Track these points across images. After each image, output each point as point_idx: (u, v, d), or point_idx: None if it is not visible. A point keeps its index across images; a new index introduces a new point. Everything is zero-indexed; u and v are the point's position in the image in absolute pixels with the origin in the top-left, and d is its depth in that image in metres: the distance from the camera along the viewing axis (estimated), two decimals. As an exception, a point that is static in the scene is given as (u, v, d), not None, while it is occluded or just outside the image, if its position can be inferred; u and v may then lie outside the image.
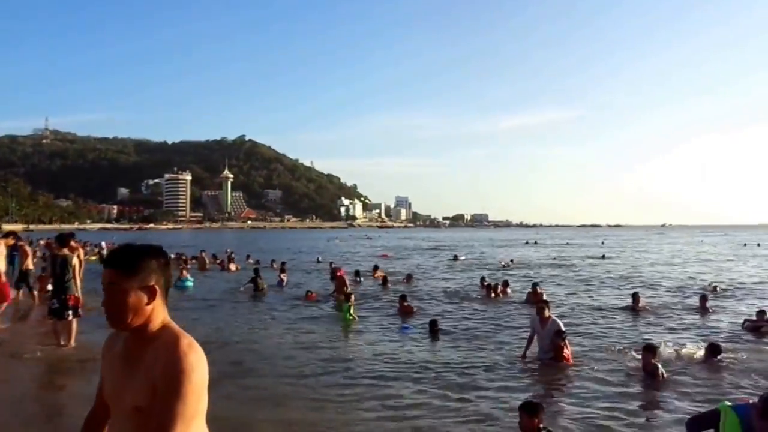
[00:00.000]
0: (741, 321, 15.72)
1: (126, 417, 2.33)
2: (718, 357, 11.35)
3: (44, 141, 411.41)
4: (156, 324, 2.39)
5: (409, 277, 27.39)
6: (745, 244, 73.74)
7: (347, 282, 21.75)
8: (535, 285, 21.17)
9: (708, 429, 5.01)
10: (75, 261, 11.92)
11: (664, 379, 9.82)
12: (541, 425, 6.30)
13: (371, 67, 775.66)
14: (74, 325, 11.67)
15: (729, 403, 4.96)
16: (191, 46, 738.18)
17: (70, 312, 11.56)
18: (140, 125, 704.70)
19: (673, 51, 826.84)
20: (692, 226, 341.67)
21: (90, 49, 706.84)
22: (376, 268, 30.06)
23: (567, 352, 11.08)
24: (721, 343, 12.16)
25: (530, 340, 11.86)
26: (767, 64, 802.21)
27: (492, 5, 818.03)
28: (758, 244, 72.68)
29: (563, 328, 11.46)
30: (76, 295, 11.67)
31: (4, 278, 13.73)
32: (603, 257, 47.61)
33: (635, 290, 19.95)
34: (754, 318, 15.24)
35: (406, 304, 17.95)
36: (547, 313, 11.65)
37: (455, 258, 45.17)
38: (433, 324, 14.70)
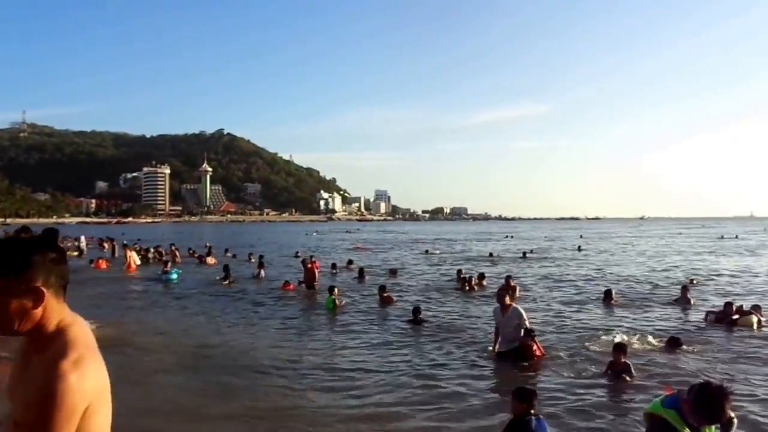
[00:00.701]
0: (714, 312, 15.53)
1: (10, 428, 2.00)
2: (679, 349, 11.52)
3: (21, 134, 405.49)
4: (51, 326, 2.02)
5: (393, 272, 27.50)
6: (722, 237, 73.91)
7: (317, 275, 21.87)
8: (508, 277, 21.32)
9: None
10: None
11: (634, 378, 9.66)
12: (532, 411, 6.29)
13: (351, 62, 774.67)
14: None
15: (658, 401, 4.65)
16: (170, 42, 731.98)
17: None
18: (118, 119, 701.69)
19: (654, 57, 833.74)
20: (669, 219, 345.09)
21: (68, 43, 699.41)
22: (350, 262, 30.22)
23: (538, 351, 10.89)
24: (690, 335, 12.24)
25: (497, 332, 11.44)
26: (755, 66, 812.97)
27: (473, 2, 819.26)
28: (736, 236, 73.27)
29: (528, 324, 11.18)
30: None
31: None
32: (579, 249, 48.09)
33: (608, 287, 19.83)
34: (721, 309, 15.24)
35: (386, 294, 18.10)
36: (508, 300, 11.31)
37: (426, 252, 45.59)
38: (416, 311, 14.80)
